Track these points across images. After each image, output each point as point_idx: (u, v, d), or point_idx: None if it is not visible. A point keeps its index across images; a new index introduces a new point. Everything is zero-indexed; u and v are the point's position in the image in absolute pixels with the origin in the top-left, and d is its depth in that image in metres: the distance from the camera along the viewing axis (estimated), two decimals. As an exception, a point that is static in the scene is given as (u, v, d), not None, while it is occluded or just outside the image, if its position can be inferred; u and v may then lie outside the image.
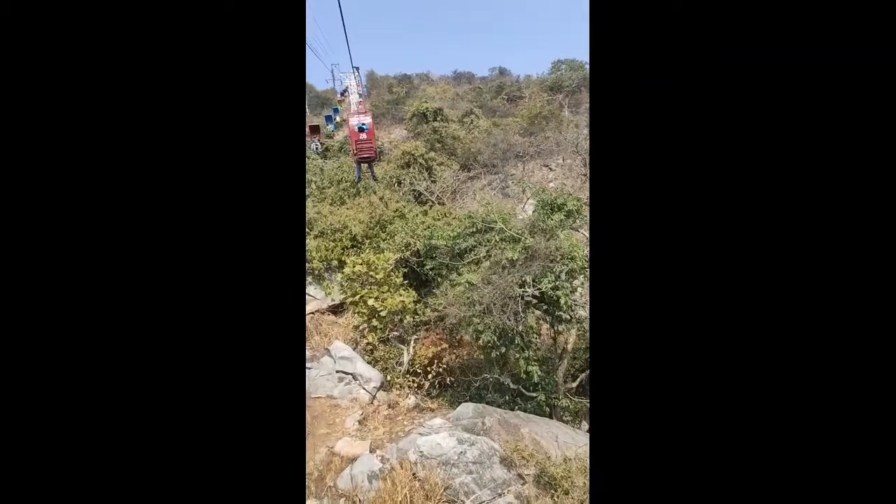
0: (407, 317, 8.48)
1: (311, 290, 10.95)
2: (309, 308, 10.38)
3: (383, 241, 11.18)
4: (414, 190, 16.52)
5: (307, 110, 36.18)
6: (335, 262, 11.08)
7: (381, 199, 13.18)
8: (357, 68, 21.88)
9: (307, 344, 8.54)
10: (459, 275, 8.06)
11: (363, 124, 12.63)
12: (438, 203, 17.23)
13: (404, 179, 17.98)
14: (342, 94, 32.53)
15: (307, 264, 10.82)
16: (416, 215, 12.55)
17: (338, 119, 33.46)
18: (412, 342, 8.44)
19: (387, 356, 8.32)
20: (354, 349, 7.86)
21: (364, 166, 14.10)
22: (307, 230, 11.43)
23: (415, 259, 10.19)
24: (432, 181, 17.91)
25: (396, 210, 12.69)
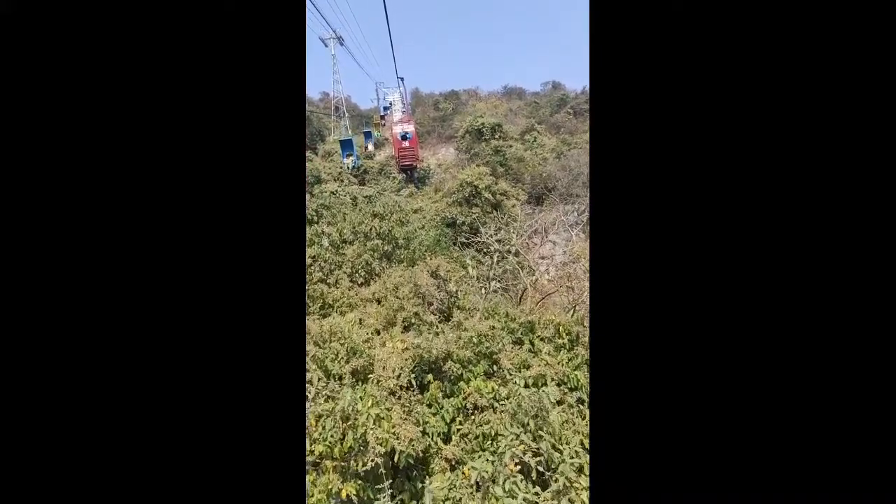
0: None
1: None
2: None
3: (453, 443, 4.19)
4: (483, 242, 10.76)
5: (348, 130, 31.40)
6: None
7: (432, 273, 7.37)
8: (402, 79, 19.64)
9: None
10: None
11: (406, 132, 12.47)
12: (514, 255, 11.46)
13: (463, 222, 12.36)
14: (383, 116, 27.52)
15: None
16: (518, 370, 4.74)
17: (370, 147, 25.07)
18: None
19: None
20: None
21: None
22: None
23: None
24: (505, 224, 12.13)
25: (477, 336, 5.27)
